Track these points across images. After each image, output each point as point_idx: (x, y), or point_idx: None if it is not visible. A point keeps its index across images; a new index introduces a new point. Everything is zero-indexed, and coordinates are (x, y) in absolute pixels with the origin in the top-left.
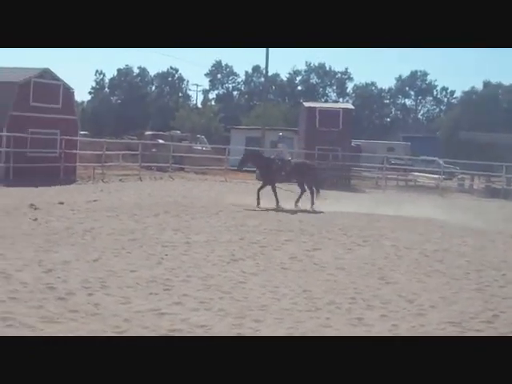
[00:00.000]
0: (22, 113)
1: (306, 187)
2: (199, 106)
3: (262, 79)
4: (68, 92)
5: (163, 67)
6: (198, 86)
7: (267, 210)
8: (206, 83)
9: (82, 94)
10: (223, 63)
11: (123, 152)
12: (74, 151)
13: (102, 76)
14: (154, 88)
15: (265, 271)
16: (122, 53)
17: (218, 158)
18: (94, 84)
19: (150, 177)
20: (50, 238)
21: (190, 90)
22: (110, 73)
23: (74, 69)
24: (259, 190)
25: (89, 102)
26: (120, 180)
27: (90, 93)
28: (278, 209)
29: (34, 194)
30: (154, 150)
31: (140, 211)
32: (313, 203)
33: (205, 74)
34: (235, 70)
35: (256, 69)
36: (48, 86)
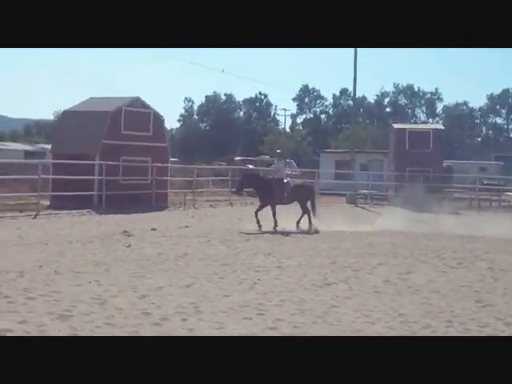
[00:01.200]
0: (113, 141)
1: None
2: (287, 130)
3: (350, 102)
4: (158, 119)
5: (251, 93)
6: (285, 110)
7: (272, 232)
8: (293, 107)
9: (171, 122)
10: (310, 87)
11: (213, 178)
12: (166, 178)
13: (190, 103)
14: (241, 113)
15: (358, 295)
16: (210, 79)
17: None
18: (182, 111)
19: (240, 202)
20: (144, 263)
21: (278, 114)
22: (199, 100)
23: (163, 97)
24: (257, 212)
25: (178, 129)
26: (211, 206)
27: (178, 120)
28: (274, 231)
29: (126, 221)
30: None
31: (231, 236)
32: (311, 223)
33: (292, 99)
34: (322, 93)
35: (343, 92)
36: (138, 114)
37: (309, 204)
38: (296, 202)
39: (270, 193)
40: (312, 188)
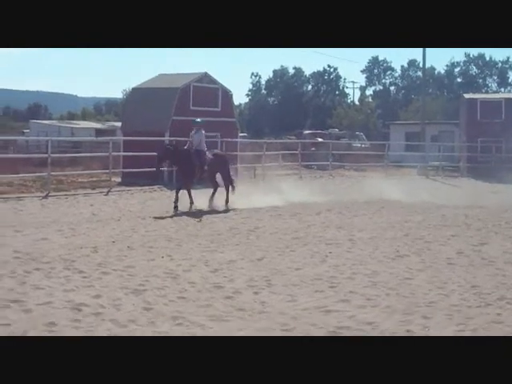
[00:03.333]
0: (183, 117)
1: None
2: (356, 103)
3: (419, 73)
4: (227, 95)
5: (319, 66)
6: (354, 83)
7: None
8: (362, 80)
9: (239, 97)
10: (380, 58)
11: (282, 152)
12: (235, 153)
13: (257, 78)
14: (310, 87)
15: (431, 267)
16: (277, 54)
17: (378, 155)
18: (250, 86)
19: (310, 175)
20: (215, 238)
21: (346, 87)
22: (266, 74)
23: (230, 72)
24: (177, 190)
25: (246, 104)
26: (280, 180)
27: (247, 95)
28: (191, 211)
29: (196, 196)
30: (313, 148)
31: (303, 210)
32: (227, 201)
33: (361, 71)
34: (392, 65)
35: (412, 63)
36: (207, 89)
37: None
38: (217, 174)
39: (189, 167)
40: (225, 157)
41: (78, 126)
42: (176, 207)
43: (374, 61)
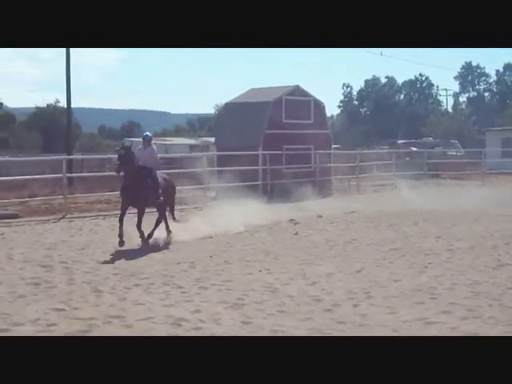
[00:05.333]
0: (275, 130)
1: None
2: (450, 110)
3: None
4: (319, 107)
5: (410, 75)
6: (447, 90)
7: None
8: (455, 86)
9: (331, 108)
10: (473, 64)
11: (376, 162)
12: (329, 165)
13: (349, 89)
14: (402, 96)
15: None
16: (368, 63)
17: (474, 162)
18: (342, 97)
19: (404, 185)
20: (312, 251)
21: (439, 95)
22: (358, 85)
23: (322, 84)
24: (121, 217)
25: (338, 115)
26: (375, 191)
27: (338, 106)
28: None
29: (292, 209)
30: (407, 158)
31: (399, 220)
32: (169, 231)
33: (454, 77)
34: (486, 70)
35: (508, 67)
36: (299, 102)
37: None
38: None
39: (144, 186)
40: (173, 183)
41: (171, 143)
42: (121, 242)
43: (468, 66)
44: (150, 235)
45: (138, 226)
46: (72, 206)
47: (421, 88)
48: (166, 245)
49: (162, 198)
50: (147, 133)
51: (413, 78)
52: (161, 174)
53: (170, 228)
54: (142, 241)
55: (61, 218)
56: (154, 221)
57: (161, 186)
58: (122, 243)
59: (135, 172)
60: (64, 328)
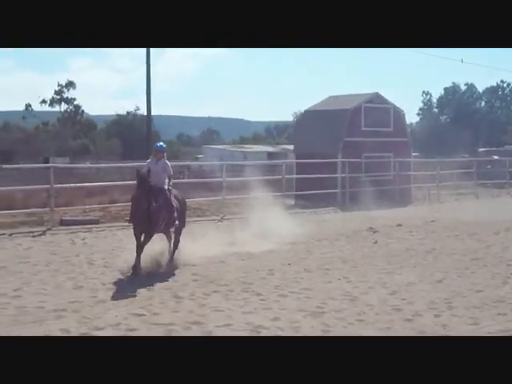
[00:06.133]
0: (354, 138)
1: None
2: None
3: None
4: (399, 114)
5: (492, 81)
6: None
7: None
8: None
9: (410, 116)
10: None
11: (457, 170)
12: (408, 173)
13: (428, 96)
14: (483, 103)
15: None
16: (447, 71)
17: None
18: (421, 105)
19: (486, 194)
20: (392, 259)
21: None
22: (437, 92)
23: (400, 91)
24: (140, 247)
25: (417, 122)
26: (456, 199)
27: (418, 114)
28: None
29: (371, 218)
30: (488, 166)
31: (480, 230)
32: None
33: None
34: None
35: None
36: (378, 109)
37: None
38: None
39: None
40: (185, 201)
41: (250, 150)
42: (137, 273)
43: None
44: (171, 262)
45: (138, 251)
46: None
47: (503, 95)
48: (172, 269)
49: (177, 222)
50: (160, 143)
51: (494, 84)
52: (172, 191)
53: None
54: (132, 268)
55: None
56: (169, 247)
57: (177, 207)
58: (138, 273)
59: (145, 194)
60: (144, 333)
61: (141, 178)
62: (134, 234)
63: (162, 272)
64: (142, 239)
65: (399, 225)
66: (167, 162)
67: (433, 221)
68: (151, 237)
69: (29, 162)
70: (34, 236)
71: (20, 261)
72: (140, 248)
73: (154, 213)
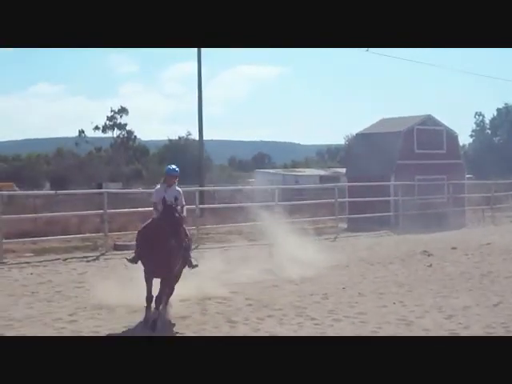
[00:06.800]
0: (407, 160)
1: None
2: None
3: None
4: (452, 136)
5: None
6: None
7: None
8: None
9: (462, 137)
10: None
11: (511, 192)
12: (462, 195)
13: (481, 117)
14: None
15: None
16: (500, 91)
17: None
18: (474, 126)
19: None
20: (447, 283)
21: None
22: (490, 113)
23: (453, 113)
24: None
25: (470, 144)
26: (511, 221)
27: (470, 135)
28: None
29: (425, 241)
30: None
31: None
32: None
33: None
34: None
35: None
36: (431, 132)
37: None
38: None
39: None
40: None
41: (302, 174)
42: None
43: None
44: (155, 322)
45: (148, 303)
46: (204, 236)
47: None
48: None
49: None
50: (173, 166)
51: None
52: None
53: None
54: (144, 321)
55: (193, 249)
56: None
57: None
58: (154, 327)
59: (173, 228)
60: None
61: (169, 209)
62: (146, 279)
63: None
64: (152, 284)
65: (454, 248)
66: (179, 189)
67: (488, 243)
68: (172, 283)
69: (82, 188)
70: (88, 261)
71: (75, 285)
72: (150, 300)
73: (175, 252)
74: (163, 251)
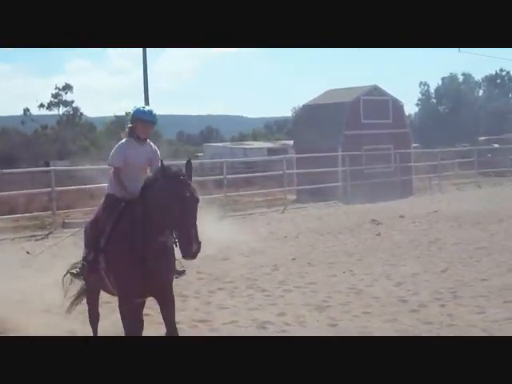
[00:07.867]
0: (354, 131)
1: None
2: None
3: None
4: (398, 106)
5: (491, 70)
6: None
7: None
8: None
9: (408, 107)
10: None
11: (458, 160)
12: (409, 164)
13: (426, 87)
14: (481, 93)
15: None
16: (444, 61)
17: None
18: (419, 95)
19: (488, 183)
20: (395, 251)
21: None
22: (435, 82)
23: (398, 83)
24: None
25: (416, 113)
26: (457, 189)
27: (416, 104)
28: None
29: (373, 210)
30: (489, 155)
31: (484, 219)
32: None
33: None
34: None
35: None
36: (377, 102)
37: None
38: None
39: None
40: None
41: (250, 147)
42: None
43: None
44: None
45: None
46: None
47: (501, 83)
48: None
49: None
50: (147, 107)
51: (493, 73)
52: None
53: None
54: None
55: None
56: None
57: None
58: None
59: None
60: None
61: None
62: (126, 301)
63: None
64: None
65: (402, 216)
66: (155, 146)
67: (435, 211)
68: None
69: (29, 167)
70: (36, 240)
71: (22, 265)
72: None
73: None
74: (163, 250)
